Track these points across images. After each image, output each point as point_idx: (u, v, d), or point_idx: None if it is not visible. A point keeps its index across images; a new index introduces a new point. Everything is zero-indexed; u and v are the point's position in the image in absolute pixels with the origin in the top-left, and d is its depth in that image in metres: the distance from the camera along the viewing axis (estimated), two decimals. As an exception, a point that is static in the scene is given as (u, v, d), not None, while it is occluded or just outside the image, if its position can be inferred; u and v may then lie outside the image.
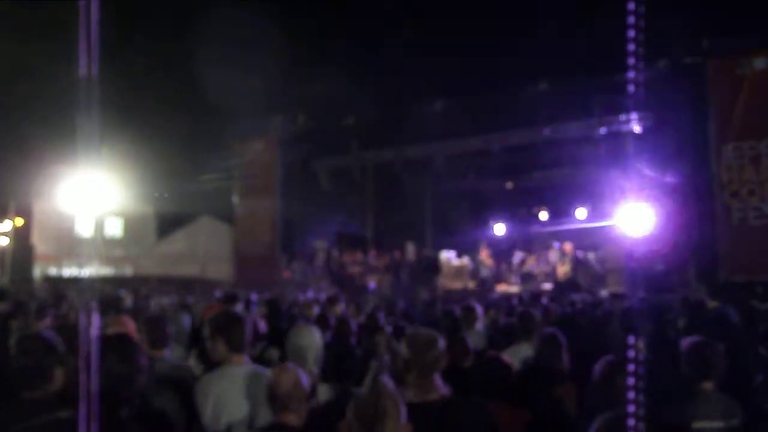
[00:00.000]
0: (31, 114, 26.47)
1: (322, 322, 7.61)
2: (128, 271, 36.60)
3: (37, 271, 31.89)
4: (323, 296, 14.32)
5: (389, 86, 23.07)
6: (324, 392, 5.52)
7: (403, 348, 4.40)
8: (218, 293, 15.39)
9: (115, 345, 3.95)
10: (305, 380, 4.19)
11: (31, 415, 3.55)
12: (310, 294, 17.95)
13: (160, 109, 26.43)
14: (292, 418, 4.04)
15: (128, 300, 13.67)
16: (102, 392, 3.07)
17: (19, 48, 23.45)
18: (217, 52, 22.45)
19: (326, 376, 5.90)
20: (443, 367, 4.28)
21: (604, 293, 16.75)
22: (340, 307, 10.52)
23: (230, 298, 12.18)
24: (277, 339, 7.14)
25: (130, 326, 5.97)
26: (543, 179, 23.57)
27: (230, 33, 22.24)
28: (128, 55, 21.81)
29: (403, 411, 3.24)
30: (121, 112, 19.47)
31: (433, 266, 22.66)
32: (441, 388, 4.16)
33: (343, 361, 6.68)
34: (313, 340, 5.84)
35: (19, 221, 31.00)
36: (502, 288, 21.51)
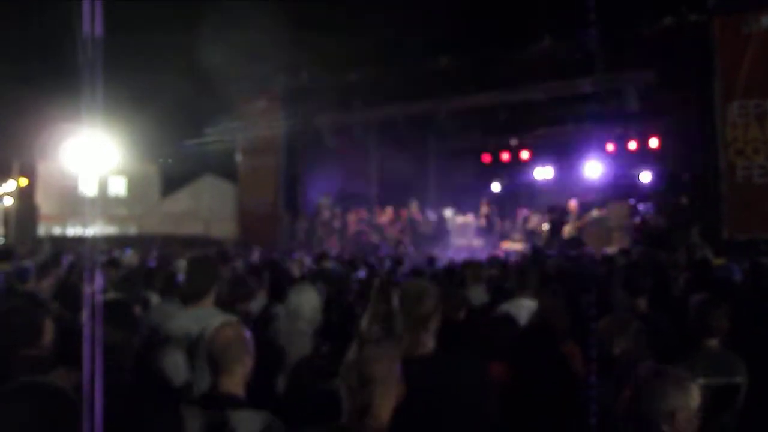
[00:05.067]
0: (33, 74, 26.48)
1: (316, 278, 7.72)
2: (132, 230, 36.74)
3: (41, 231, 32.02)
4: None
5: (392, 42, 22.98)
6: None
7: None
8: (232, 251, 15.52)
9: (111, 311, 4.00)
10: (248, 338, 3.95)
11: (30, 371, 3.49)
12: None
13: (163, 67, 26.38)
14: (229, 382, 3.83)
15: (134, 260, 13.59)
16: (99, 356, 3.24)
17: (21, 6, 23.40)
18: (219, 9, 22.34)
19: (325, 334, 5.94)
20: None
21: (609, 251, 16.79)
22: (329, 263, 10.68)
23: (223, 256, 12.33)
24: (280, 297, 7.17)
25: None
26: (547, 136, 23.62)
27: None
28: (131, 13, 21.70)
29: (395, 371, 3.24)
30: (124, 70, 19.42)
31: (442, 225, 22.95)
32: (430, 342, 4.07)
33: (341, 319, 6.78)
34: (309, 298, 5.91)
35: (23, 181, 31.07)
36: (506, 245, 21.54)
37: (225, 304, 5.84)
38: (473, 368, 4.04)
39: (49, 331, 3.97)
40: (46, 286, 7.83)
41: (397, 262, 13.31)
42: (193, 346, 4.86)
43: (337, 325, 6.72)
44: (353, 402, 3.15)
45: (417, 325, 4.05)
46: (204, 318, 4.92)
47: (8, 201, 32.78)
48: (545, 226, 21.66)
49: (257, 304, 7.14)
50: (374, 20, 23.02)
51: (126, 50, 21.54)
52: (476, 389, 3.95)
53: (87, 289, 6.76)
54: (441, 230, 23.00)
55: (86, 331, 3.30)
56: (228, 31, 21.78)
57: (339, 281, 8.22)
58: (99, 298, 5.08)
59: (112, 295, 5.93)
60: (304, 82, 24.63)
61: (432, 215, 23.39)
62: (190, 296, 5.42)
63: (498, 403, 4.10)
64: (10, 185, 31.89)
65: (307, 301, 5.90)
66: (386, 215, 23.44)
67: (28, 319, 3.98)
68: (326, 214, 23.86)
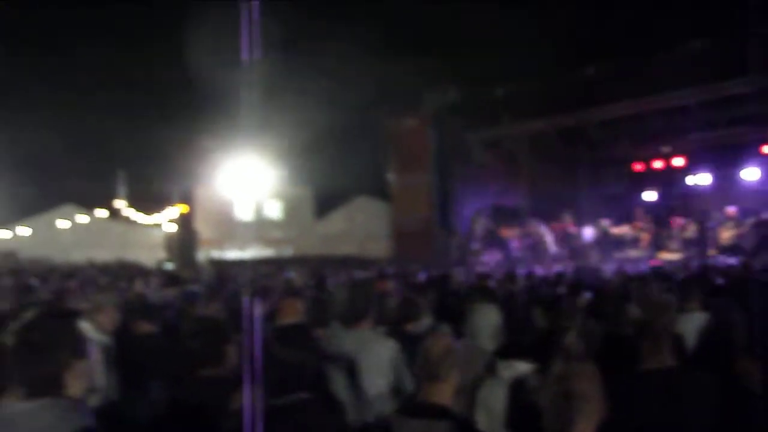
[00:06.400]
0: (191, 103, 28.31)
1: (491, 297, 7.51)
2: (288, 252, 38.16)
3: (200, 255, 33.67)
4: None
5: (538, 55, 23.47)
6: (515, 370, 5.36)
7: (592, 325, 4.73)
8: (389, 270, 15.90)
9: (289, 334, 4.56)
10: (458, 349, 4.12)
11: (209, 391, 3.95)
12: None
13: (315, 91, 27.78)
14: (440, 391, 3.96)
15: (298, 281, 13.61)
16: (277, 378, 3.84)
17: (180, 36, 25.25)
18: (369, 32, 23.54)
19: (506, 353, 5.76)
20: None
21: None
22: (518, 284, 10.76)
23: (381, 275, 12.95)
24: (446, 315, 7.38)
25: (301, 309, 6.35)
26: (700, 141, 23.19)
27: (382, 11, 23.30)
28: (284, 41, 23.06)
29: (598, 388, 3.25)
30: (277, 97, 20.80)
31: (600, 237, 23.08)
32: (671, 355, 4.16)
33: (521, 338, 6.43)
34: (491, 317, 5.93)
35: (185, 208, 32.99)
36: (663, 256, 21.46)
37: (392, 324, 6.22)
38: (711, 384, 4.10)
39: (232, 354, 4.38)
40: (213, 310, 7.93)
41: (557, 278, 13.05)
42: (352, 368, 5.22)
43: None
44: (556, 418, 3.21)
45: (659, 337, 4.20)
46: (364, 340, 5.43)
47: (171, 227, 35.00)
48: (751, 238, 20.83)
49: (423, 324, 6.87)
50: (519, 34, 23.55)
51: (279, 76, 22.89)
52: (710, 403, 4.01)
53: (256, 312, 7.70)
54: (599, 242, 23.12)
55: (263, 353, 3.89)
56: (377, 53, 22.99)
57: (509, 300, 8.06)
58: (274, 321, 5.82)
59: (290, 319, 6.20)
60: (453, 99, 25.40)
61: (588, 227, 23.59)
62: (350, 319, 5.65)
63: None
64: (173, 212, 34.00)
65: (489, 319, 5.90)
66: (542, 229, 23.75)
67: (209, 342, 4.37)
68: (480, 229, 24.54)
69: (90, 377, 2.97)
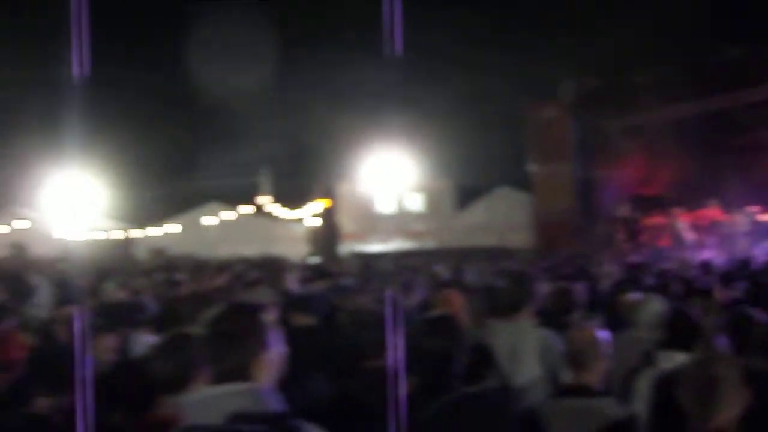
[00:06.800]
0: (333, 99, 29.04)
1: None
2: (429, 244, 38.57)
3: (343, 249, 34.38)
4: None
5: (678, 38, 23.07)
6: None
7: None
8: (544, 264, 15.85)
9: (436, 325, 4.41)
10: (602, 340, 4.31)
11: (375, 383, 4.00)
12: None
13: (455, 84, 28.15)
14: (587, 376, 4.16)
15: (445, 273, 13.66)
16: (427, 369, 4.02)
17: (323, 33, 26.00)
18: (508, 22, 23.73)
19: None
20: None
21: None
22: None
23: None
24: (596, 306, 7.43)
25: (457, 300, 6.26)
26: None
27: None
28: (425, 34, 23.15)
29: (739, 375, 3.29)
30: (418, 91, 21.20)
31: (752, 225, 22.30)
32: None
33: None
34: (655, 309, 5.84)
35: (327, 202, 33.86)
36: None
37: (547, 316, 6.15)
38: None
39: (392, 346, 4.31)
40: (365, 302, 7.88)
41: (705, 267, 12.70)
42: (507, 361, 5.26)
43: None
44: (700, 405, 3.28)
45: None
46: (520, 332, 5.50)
47: (314, 222, 36.03)
48: None
49: (575, 315, 6.85)
50: (658, 18, 23.19)
51: (420, 70, 23.23)
52: None
53: (406, 304, 7.50)
54: (751, 231, 22.44)
55: (412, 345, 4.04)
56: (516, 43, 23.16)
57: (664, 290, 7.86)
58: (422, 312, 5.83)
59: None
60: (592, 87, 25.46)
61: (740, 215, 22.98)
62: (507, 310, 5.71)
63: None
64: (316, 207, 35.01)
65: (650, 310, 5.88)
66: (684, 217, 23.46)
67: (372, 334, 4.45)
68: (623, 218, 24.54)
69: (278, 367, 3.17)
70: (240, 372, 3.00)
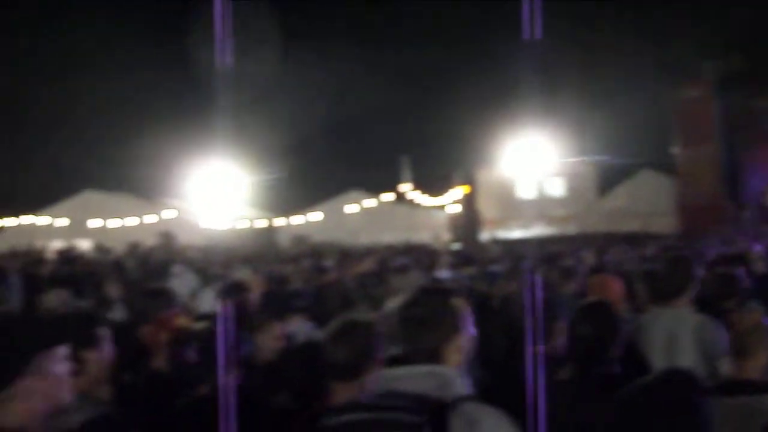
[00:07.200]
0: (473, 86, 29.20)
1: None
2: (571, 229, 38.24)
3: (483, 235, 34.45)
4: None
5: None
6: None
7: None
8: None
9: (591, 311, 4.39)
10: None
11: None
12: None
13: (595, 67, 27.92)
14: (751, 367, 4.02)
15: (591, 259, 13.48)
16: (581, 354, 4.05)
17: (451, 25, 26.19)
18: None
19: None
20: None
21: None
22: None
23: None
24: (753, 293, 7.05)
25: (615, 286, 6.20)
26: None
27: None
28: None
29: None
30: (558, 73, 21.11)
31: None
32: None
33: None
34: None
35: (467, 188, 33.93)
36: None
37: (707, 302, 5.94)
38: None
39: (560, 333, 4.58)
40: (512, 289, 7.95)
41: None
42: (665, 348, 5.16)
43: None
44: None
45: None
46: (679, 319, 5.33)
47: (454, 209, 36.22)
48: None
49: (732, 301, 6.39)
50: None
51: (562, 52, 23.08)
52: None
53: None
54: None
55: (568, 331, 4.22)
56: (657, 23, 22.75)
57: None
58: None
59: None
60: (737, 66, 24.80)
61: None
62: (667, 296, 5.50)
63: None
64: (457, 193, 35.18)
65: None
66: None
67: (539, 320, 4.41)
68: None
69: (468, 350, 3.21)
70: (432, 354, 3.07)
